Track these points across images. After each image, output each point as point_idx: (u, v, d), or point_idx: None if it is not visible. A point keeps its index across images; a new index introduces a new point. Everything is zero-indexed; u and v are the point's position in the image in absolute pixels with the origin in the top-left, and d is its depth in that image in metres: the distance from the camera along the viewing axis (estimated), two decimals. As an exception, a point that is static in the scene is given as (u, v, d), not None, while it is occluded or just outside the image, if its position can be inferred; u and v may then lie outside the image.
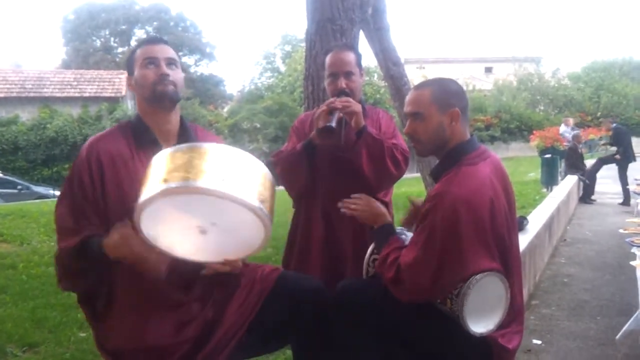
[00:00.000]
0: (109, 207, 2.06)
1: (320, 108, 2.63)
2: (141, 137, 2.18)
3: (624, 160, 12.47)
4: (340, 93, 2.71)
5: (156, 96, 2.16)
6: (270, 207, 1.87)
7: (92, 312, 2.16)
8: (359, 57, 2.86)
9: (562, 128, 17.81)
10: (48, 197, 18.21)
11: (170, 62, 2.19)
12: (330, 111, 2.58)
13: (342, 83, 2.75)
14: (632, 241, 4.30)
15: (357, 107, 2.63)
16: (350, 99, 2.65)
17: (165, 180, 1.74)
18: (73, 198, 2.07)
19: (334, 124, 2.54)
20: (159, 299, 2.09)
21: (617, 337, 3.92)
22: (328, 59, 2.82)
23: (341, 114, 2.60)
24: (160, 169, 1.79)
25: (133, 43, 41.21)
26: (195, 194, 1.74)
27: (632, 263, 4.07)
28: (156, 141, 2.18)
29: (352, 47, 3.10)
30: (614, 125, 13.70)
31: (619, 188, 12.32)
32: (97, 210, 2.06)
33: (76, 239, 2.01)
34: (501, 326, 2.14)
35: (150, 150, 2.10)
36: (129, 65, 2.26)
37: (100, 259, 1.97)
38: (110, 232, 1.94)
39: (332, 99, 2.65)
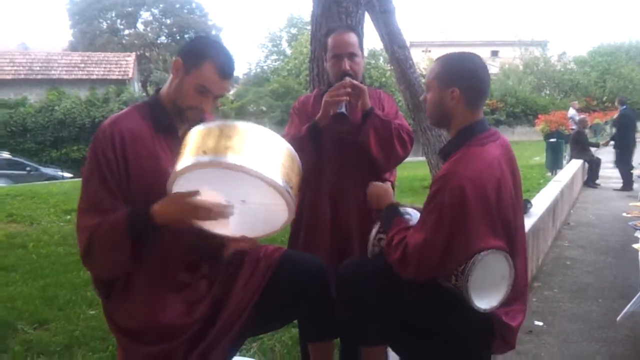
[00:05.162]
0: (130, 186, 2.06)
1: (332, 92, 2.59)
2: (160, 121, 2.17)
3: (624, 145, 12.35)
4: (343, 75, 2.67)
5: (181, 115, 2.17)
6: (296, 189, 1.97)
7: (106, 292, 2.16)
8: (360, 38, 2.84)
9: (571, 112, 17.77)
10: (56, 179, 18.39)
11: (218, 97, 2.19)
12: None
13: (346, 64, 2.71)
14: (635, 225, 4.33)
15: (364, 89, 2.62)
16: (355, 82, 2.64)
17: (205, 153, 1.82)
18: (102, 174, 2.03)
19: (345, 110, 2.52)
20: (169, 280, 2.12)
21: (618, 319, 3.98)
22: (331, 40, 2.79)
23: (347, 98, 2.57)
24: (201, 141, 1.86)
25: (139, 25, 41.10)
26: (231, 170, 1.82)
27: (635, 246, 4.10)
28: (173, 126, 2.19)
29: (354, 28, 3.10)
30: (623, 107, 13.07)
31: (624, 173, 12.30)
32: (120, 189, 2.05)
33: (120, 213, 1.98)
34: (505, 304, 2.16)
35: (167, 134, 2.16)
36: (192, 57, 2.12)
37: (148, 230, 1.98)
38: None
39: (342, 82, 2.60)
